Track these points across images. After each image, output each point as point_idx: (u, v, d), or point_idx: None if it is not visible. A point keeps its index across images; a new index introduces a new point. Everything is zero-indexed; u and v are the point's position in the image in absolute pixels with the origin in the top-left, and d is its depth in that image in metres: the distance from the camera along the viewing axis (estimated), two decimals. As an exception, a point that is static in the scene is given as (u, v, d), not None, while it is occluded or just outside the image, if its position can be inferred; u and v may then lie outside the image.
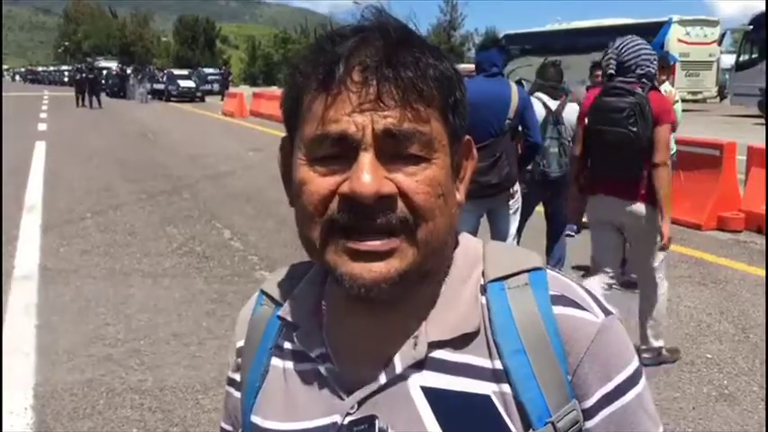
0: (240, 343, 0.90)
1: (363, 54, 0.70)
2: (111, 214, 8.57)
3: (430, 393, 0.74)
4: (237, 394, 0.89)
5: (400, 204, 0.70)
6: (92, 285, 5.74)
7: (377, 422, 0.70)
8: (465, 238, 0.83)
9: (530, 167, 5.01)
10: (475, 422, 0.72)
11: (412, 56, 0.71)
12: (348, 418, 0.75)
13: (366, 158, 0.68)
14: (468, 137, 0.79)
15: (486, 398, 0.72)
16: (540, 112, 5.05)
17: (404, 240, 0.71)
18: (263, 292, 0.90)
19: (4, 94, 34.65)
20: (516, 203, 4.64)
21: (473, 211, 4.41)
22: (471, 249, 0.82)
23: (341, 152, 0.70)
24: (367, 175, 0.68)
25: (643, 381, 0.77)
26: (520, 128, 4.53)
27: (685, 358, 4.31)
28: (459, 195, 0.78)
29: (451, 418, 0.73)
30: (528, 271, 0.77)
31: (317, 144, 0.71)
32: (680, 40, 24.97)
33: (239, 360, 0.90)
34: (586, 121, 4.09)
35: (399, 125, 0.69)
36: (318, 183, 0.71)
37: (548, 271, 0.79)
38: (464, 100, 0.76)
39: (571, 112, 5.40)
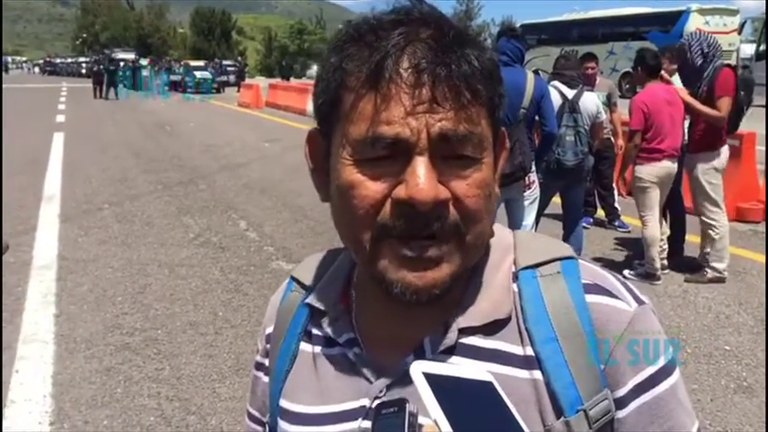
0: (269, 329, 0.90)
1: (413, 51, 0.66)
2: (129, 205, 8.63)
3: (432, 379, 0.72)
4: (266, 379, 0.90)
5: (452, 209, 0.68)
6: (109, 275, 5.79)
7: (407, 406, 0.67)
8: (496, 227, 0.82)
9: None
10: (477, 410, 0.70)
11: (462, 51, 0.68)
12: (377, 402, 0.74)
13: (422, 164, 0.66)
14: (502, 128, 0.77)
15: (489, 384, 0.70)
16: (556, 101, 5.01)
17: (453, 244, 0.70)
18: (293, 278, 0.90)
19: (23, 85, 35.04)
20: (534, 194, 4.62)
21: None
22: (503, 238, 0.81)
23: (392, 154, 0.67)
24: (425, 182, 0.66)
25: (677, 373, 0.75)
26: (537, 117, 4.50)
27: (703, 350, 4.28)
28: (497, 188, 0.76)
29: (453, 404, 0.71)
30: (560, 259, 0.77)
31: (367, 145, 0.68)
32: (699, 30, 24.68)
33: (268, 346, 0.90)
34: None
35: (455, 128, 0.66)
36: (369, 187, 0.68)
37: (579, 260, 0.78)
38: (504, 91, 0.74)
39: (588, 100, 5.37)
